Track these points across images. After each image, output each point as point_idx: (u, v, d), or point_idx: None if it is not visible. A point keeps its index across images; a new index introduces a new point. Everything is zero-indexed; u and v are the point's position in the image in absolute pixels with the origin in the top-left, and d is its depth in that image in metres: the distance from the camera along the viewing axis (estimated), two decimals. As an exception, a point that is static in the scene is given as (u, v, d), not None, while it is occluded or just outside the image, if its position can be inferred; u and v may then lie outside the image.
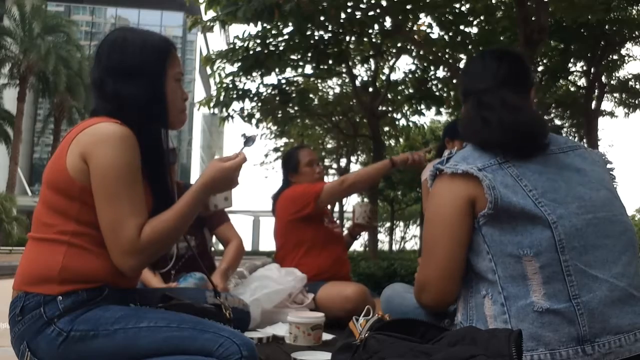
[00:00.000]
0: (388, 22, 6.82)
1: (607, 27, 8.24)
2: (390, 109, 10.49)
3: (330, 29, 6.72)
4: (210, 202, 1.53)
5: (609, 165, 1.37)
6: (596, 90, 10.45)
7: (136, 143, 1.25)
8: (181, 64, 1.44)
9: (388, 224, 25.41)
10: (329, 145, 15.91)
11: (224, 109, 8.12)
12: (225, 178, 1.30)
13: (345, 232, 2.97)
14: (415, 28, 7.19)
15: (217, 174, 1.30)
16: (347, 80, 10.28)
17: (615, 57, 10.21)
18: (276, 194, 2.82)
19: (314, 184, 2.65)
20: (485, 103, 1.32)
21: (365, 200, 3.07)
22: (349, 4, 6.05)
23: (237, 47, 7.06)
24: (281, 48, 6.84)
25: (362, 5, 6.11)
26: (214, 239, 2.62)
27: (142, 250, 1.20)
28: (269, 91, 8.70)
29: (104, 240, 1.25)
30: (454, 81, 7.62)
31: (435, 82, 8.92)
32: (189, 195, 1.28)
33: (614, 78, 11.12)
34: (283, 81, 8.77)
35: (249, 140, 1.45)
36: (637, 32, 8.82)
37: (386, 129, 11.99)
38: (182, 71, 1.42)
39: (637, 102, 11.81)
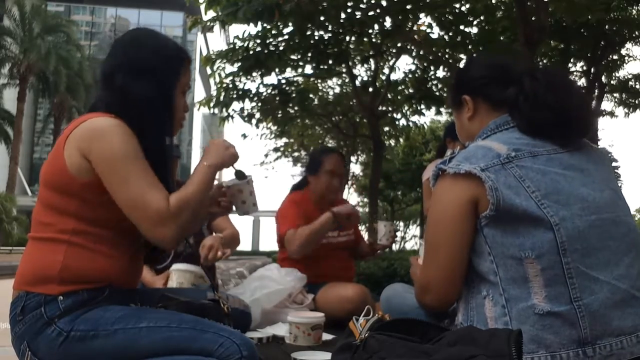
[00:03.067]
0: (388, 22, 6.81)
1: (607, 27, 8.23)
2: (390, 109, 10.48)
3: (330, 29, 6.71)
4: (239, 208, 1.59)
5: (614, 164, 1.37)
6: (596, 90, 10.44)
7: (132, 133, 1.25)
8: (191, 77, 1.47)
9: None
10: (329, 145, 15.91)
11: (224, 109, 8.11)
12: (218, 145, 1.37)
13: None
14: (415, 28, 7.18)
15: (211, 145, 1.37)
16: (347, 80, 10.28)
17: (615, 57, 10.20)
18: (292, 189, 2.81)
19: (285, 222, 2.57)
20: (542, 80, 1.31)
21: (385, 222, 3.09)
22: (349, 4, 6.04)
23: (237, 47, 7.05)
24: (281, 48, 6.83)
25: (362, 5, 6.10)
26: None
27: (175, 218, 1.21)
28: (269, 91, 8.69)
29: (105, 237, 1.25)
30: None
31: (435, 82, 8.91)
32: (199, 170, 1.32)
33: (614, 78, 11.11)
34: (283, 81, 8.76)
35: (241, 176, 1.49)
36: (637, 32, 8.81)
37: (386, 129, 11.98)
38: (190, 85, 1.44)
39: (637, 102, 11.79)
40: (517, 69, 1.39)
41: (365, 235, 2.74)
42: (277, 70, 7.81)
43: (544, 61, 9.09)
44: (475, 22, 7.05)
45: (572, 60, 9.86)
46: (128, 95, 1.29)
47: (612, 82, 11.12)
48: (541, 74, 1.33)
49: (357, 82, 9.52)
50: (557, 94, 1.28)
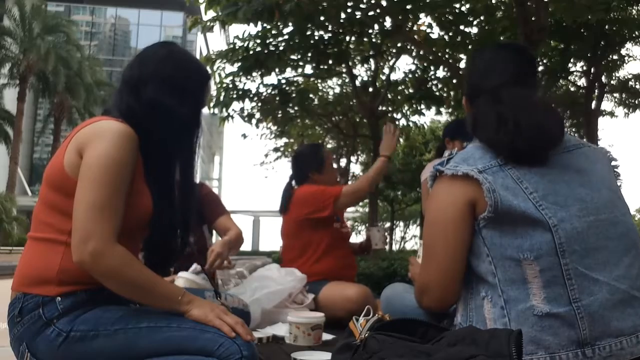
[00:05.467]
0: (388, 22, 6.81)
1: (607, 27, 8.22)
2: (390, 109, 10.48)
3: (330, 29, 6.71)
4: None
5: (613, 163, 1.36)
6: (596, 90, 10.44)
7: (134, 144, 1.24)
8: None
9: (388, 224, 25.42)
10: (329, 145, 15.89)
11: (224, 109, 8.12)
12: (209, 315, 1.23)
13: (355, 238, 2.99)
14: (415, 28, 7.18)
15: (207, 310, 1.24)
16: (347, 80, 10.28)
17: (615, 57, 10.20)
18: (288, 189, 2.79)
19: (331, 187, 2.66)
20: (503, 100, 1.28)
21: (377, 227, 3.17)
22: (349, 4, 6.04)
23: (237, 47, 7.05)
24: (281, 48, 6.83)
25: (362, 5, 6.10)
26: (213, 238, 2.62)
27: (105, 259, 1.14)
28: (269, 91, 8.70)
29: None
30: (454, 81, 7.62)
31: (435, 82, 8.91)
32: (172, 294, 1.23)
33: (614, 78, 11.11)
34: (283, 81, 8.77)
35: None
36: (637, 32, 8.80)
37: (386, 129, 11.97)
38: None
39: (637, 102, 11.80)
40: (490, 83, 1.35)
41: (360, 238, 2.83)
42: (277, 70, 7.81)
43: (544, 61, 9.10)
44: (475, 22, 7.05)
45: (572, 60, 9.86)
46: (157, 108, 1.30)
47: (612, 82, 11.12)
48: (486, 96, 1.32)
49: (357, 82, 9.52)
50: (485, 126, 1.27)
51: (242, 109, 8.82)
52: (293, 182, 2.82)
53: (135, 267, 1.19)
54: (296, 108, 9.78)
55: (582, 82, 10.81)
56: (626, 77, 11.20)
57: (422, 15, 6.80)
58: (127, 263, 1.17)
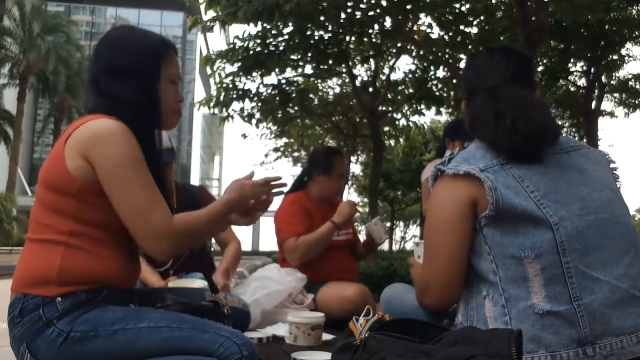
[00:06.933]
0: (388, 22, 6.81)
1: (607, 27, 8.23)
2: (390, 109, 10.47)
3: (330, 29, 6.71)
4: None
5: (612, 165, 1.36)
6: (596, 90, 10.45)
7: (134, 137, 1.25)
8: (179, 66, 1.43)
9: (388, 224, 25.45)
10: (330, 144, 15.90)
11: (224, 109, 8.11)
12: (242, 190, 1.34)
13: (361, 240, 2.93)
14: (415, 28, 7.18)
15: (238, 188, 1.35)
16: (347, 80, 10.27)
17: (615, 57, 10.20)
18: (289, 190, 2.79)
19: (285, 228, 2.60)
20: (500, 98, 1.28)
21: (375, 220, 3.12)
22: (349, 4, 6.03)
23: (237, 47, 7.04)
24: (281, 48, 6.82)
25: (362, 5, 6.09)
26: (212, 239, 2.62)
27: (177, 234, 1.22)
28: (269, 91, 8.69)
29: (102, 238, 1.24)
30: (454, 81, 7.62)
31: (435, 82, 8.89)
32: (218, 202, 1.33)
33: (614, 78, 11.12)
34: (283, 81, 8.76)
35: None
36: (637, 32, 8.81)
37: (386, 129, 11.97)
38: (179, 74, 1.42)
39: (637, 102, 11.80)
40: (487, 83, 1.35)
41: (364, 236, 2.80)
42: (277, 70, 7.80)
43: (544, 61, 9.10)
44: (475, 22, 7.04)
45: (572, 60, 9.86)
46: (113, 98, 1.29)
47: (612, 82, 11.13)
48: (484, 94, 1.33)
49: (357, 82, 9.51)
50: (527, 110, 1.27)
51: (242, 109, 8.81)
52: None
53: (194, 221, 1.27)
54: (296, 108, 9.77)
55: (582, 82, 10.81)
56: (626, 77, 11.21)
57: (422, 15, 6.79)
58: (191, 226, 1.26)
